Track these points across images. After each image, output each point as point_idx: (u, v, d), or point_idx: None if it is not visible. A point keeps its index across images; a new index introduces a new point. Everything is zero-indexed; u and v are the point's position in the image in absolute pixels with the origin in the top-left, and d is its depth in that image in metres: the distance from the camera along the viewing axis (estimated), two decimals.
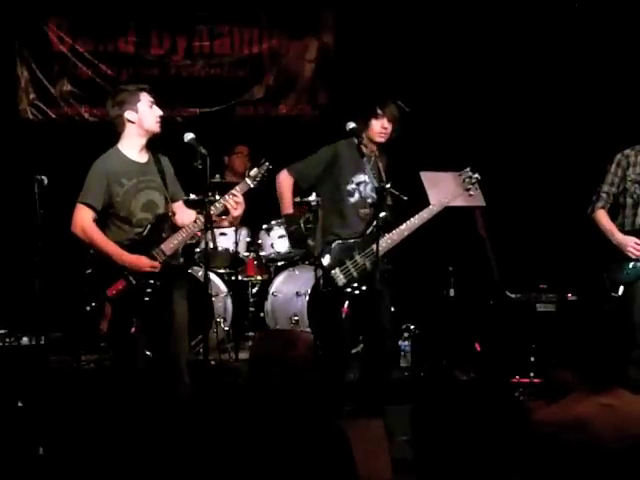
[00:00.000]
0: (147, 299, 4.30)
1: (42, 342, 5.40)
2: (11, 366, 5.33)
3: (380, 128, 4.95)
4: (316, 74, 8.03)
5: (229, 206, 4.32)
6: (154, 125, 4.37)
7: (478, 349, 6.25)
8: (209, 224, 4.13)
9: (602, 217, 5.05)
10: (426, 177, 5.63)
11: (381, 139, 4.98)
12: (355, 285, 4.87)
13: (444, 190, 5.42)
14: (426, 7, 7.49)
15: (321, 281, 4.96)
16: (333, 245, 4.93)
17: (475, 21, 7.35)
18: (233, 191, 4.36)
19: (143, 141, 4.40)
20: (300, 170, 5.03)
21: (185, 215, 4.48)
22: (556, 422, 2.27)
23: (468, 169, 5.09)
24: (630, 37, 6.80)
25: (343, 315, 4.79)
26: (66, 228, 6.78)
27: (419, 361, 6.38)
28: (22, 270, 5.82)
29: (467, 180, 5.07)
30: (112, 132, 6.78)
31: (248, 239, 6.90)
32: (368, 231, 4.93)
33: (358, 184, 4.97)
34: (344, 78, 7.84)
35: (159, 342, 4.44)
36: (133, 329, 4.28)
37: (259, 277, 6.96)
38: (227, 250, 6.67)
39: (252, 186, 4.41)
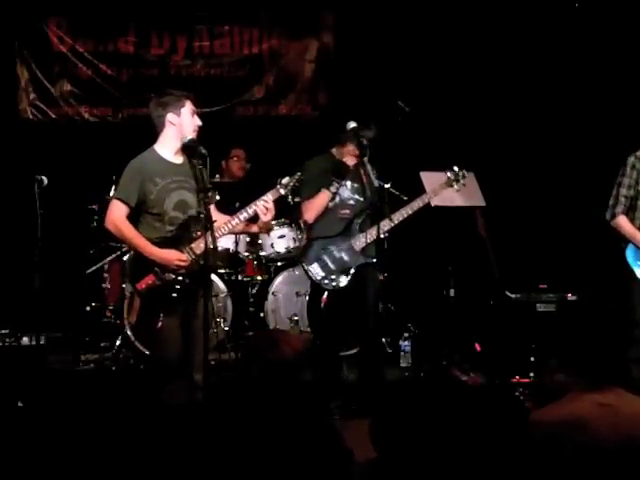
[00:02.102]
0: (175, 295, 4.35)
1: (42, 342, 5.41)
2: (11, 366, 5.33)
3: (354, 154, 5.21)
4: (316, 74, 8.04)
5: (259, 211, 4.43)
6: (192, 133, 4.46)
7: (478, 349, 6.25)
8: (209, 224, 4.14)
9: (625, 222, 5.06)
10: (426, 177, 5.64)
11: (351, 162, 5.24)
12: (333, 277, 5.09)
13: (445, 190, 5.44)
14: (426, 7, 7.49)
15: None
16: (313, 243, 5.22)
17: (477, 19, 7.35)
18: (264, 197, 4.46)
19: (179, 144, 4.48)
20: (313, 191, 5.22)
21: (217, 218, 4.51)
22: (555, 422, 2.27)
23: (455, 168, 5.33)
24: (632, 37, 6.79)
25: (322, 305, 5.06)
26: (66, 228, 6.84)
27: (419, 361, 6.38)
28: (22, 270, 5.83)
29: (453, 177, 5.30)
30: (112, 132, 6.84)
31: (248, 239, 6.89)
32: (346, 228, 5.20)
33: (337, 188, 5.18)
34: (344, 78, 7.85)
35: (185, 343, 4.47)
36: (159, 324, 4.32)
37: (259, 277, 6.96)
38: (227, 250, 6.67)
39: (283, 194, 4.54)
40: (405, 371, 6.28)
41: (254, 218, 4.54)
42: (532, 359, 5.79)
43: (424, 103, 6.80)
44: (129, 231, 4.38)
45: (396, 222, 5.12)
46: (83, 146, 7.44)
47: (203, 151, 4.32)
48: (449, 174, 5.31)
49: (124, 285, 6.34)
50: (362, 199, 5.26)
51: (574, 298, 5.90)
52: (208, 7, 7.74)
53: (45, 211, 5.25)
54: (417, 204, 5.19)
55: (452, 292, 6.44)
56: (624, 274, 5.03)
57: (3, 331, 5.64)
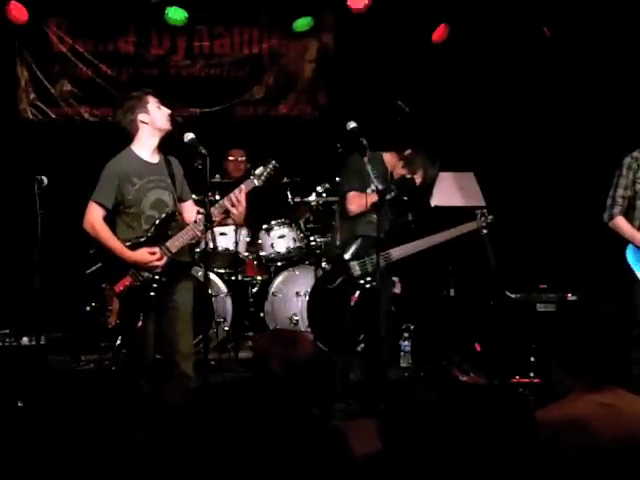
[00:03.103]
0: (153, 294, 4.42)
1: (42, 342, 5.41)
2: (11, 366, 5.33)
3: (405, 174, 5.19)
4: (316, 74, 8.03)
5: (228, 205, 4.45)
6: (165, 123, 4.55)
7: (478, 349, 6.25)
8: (209, 224, 4.15)
9: (623, 223, 5.06)
10: None
11: (396, 176, 5.20)
12: (369, 279, 5.04)
13: (445, 190, 5.46)
14: (425, 6, 7.49)
15: (341, 275, 5.15)
16: (357, 239, 5.17)
17: (477, 19, 7.34)
18: (236, 189, 4.48)
19: (156, 141, 4.57)
20: (357, 185, 5.19)
21: (194, 214, 4.59)
22: (556, 422, 2.27)
23: (485, 211, 5.42)
24: (630, 42, 6.79)
25: (352, 303, 4.98)
26: (66, 228, 6.83)
27: (419, 361, 6.38)
28: (22, 270, 5.82)
29: (482, 219, 5.39)
30: (112, 132, 6.78)
31: (248, 239, 6.89)
32: (388, 234, 5.13)
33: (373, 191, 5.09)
34: (344, 78, 7.85)
35: (165, 335, 4.51)
36: (139, 324, 4.41)
37: (259, 277, 6.96)
38: (227, 250, 6.67)
39: (257, 184, 4.54)
40: (405, 371, 6.28)
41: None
42: (532, 359, 5.79)
43: (424, 103, 6.80)
44: (105, 233, 4.48)
45: (429, 244, 5.20)
46: (83, 146, 7.43)
47: (203, 151, 4.34)
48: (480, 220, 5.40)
49: None
50: (392, 214, 5.24)
51: (574, 298, 5.90)
52: (208, 7, 7.74)
53: (45, 211, 5.25)
54: (454, 234, 5.27)
55: (452, 292, 6.44)
56: (625, 275, 5.03)
57: (3, 331, 5.64)
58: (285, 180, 6.76)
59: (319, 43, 8.00)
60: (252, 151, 7.36)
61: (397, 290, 5.40)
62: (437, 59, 7.45)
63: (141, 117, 4.51)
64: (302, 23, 7.67)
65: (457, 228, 5.30)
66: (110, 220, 4.53)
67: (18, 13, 7.15)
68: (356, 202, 5.19)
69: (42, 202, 5.23)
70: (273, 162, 4.60)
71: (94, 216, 4.48)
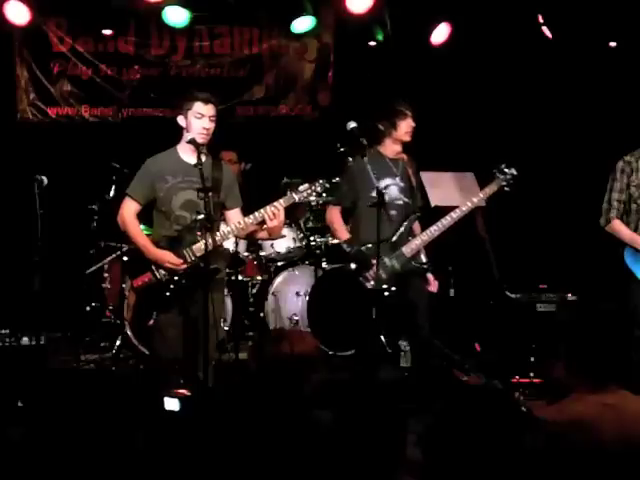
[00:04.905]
0: (168, 294, 4.43)
1: (42, 342, 5.41)
2: (11, 366, 5.33)
3: (408, 127, 5.16)
4: (316, 74, 8.03)
5: (266, 216, 4.42)
6: (197, 136, 4.47)
7: (478, 349, 6.25)
8: (209, 224, 4.16)
9: (620, 227, 5.09)
10: (426, 177, 5.64)
11: (409, 138, 5.18)
12: (385, 287, 4.93)
13: (445, 190, 5.45)
14: (425, 6, 7.48)
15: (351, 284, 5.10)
16: (362, 249, 5.06)
17: (476, 18, 7.34)
18: (275, 203, 4.45)
19: (192, 145, 4.51)
20: (339, 197, 5.32)
21: (236, 221, 4.57)
22: (558, 422, 2.27)
23: (503, 166, 5.36)
24: (630, 46, 6.81)
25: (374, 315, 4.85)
26: (66, 228, 6.85)
27: (419, 361, 6.36)
28: (22, 270, 5.83)
29: (502, 177, 5.33)
30: (112, 132, 6.79)
31: None
32: (396, 234, 5.08)
33: (384, 188, 5.03)
34: (344, 78, 7.84)
35: (189, 345, 4.51)
36: (152, 321, 4.45)
37: (259, 277, 6.96)
38: (227, 250, 6.66)
39: (296, 200, 4.53)
40: (405, 371, 6.26)
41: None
42: (532, 359, 5.79)
43: (424, 103, 6.79)
44: (133, 228, 4.54)
45: (444, 227, 5.10)
46: (83, 146, 7.44)
47: (203, 151, 4.36)
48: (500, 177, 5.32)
49: (124, 285, 6.36)
50: (410, 201, 5.18)
51: (574, 298, 5.91)
52: (208, 7, 7.73)
53: (45, 211, 5.26)
54: (467, 207, 5.15)
55: (452, 292, 6.44)
56: (624, 276, 5.04)
57: (3, 331, 5.64)
58: (285, 180, 6.75)
59: (319, 43, 8.00)
60: (253, 151, 7.36)
61: (434, 289, 5.30)
62: (437, 59, 7.44)
63: (179, 119, 4.53)
64: (304, 23, 7.64)
65: (472, 201, 5.16)
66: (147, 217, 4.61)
67: (18, 15, 7.12)
68: (332, 220, 5.28)
69: (42, 202, 5.24)
70: (321, 181, 4.58)
71: (126, 210, 4.54)
